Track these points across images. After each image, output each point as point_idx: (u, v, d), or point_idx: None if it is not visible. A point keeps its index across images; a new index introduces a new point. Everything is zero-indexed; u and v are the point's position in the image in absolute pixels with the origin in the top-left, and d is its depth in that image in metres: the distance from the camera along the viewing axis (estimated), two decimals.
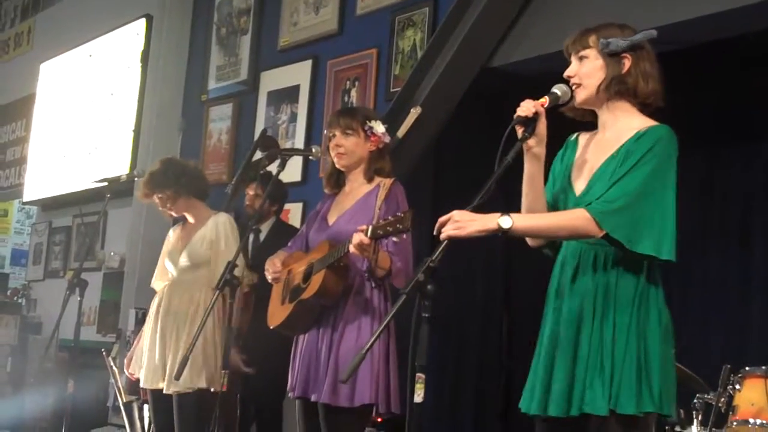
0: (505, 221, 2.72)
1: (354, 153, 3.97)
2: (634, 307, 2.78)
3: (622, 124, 2.90)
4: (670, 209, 2.79)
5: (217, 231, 4.75)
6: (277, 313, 4.07)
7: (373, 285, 3.88)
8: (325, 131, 4.20)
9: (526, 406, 2.93)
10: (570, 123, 3.04)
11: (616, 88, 2.88)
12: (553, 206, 2.97)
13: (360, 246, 3.54)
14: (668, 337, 2.83)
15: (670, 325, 2.85)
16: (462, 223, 2.70)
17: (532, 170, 2.91)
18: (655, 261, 2.78)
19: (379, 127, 4.01)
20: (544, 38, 5.15)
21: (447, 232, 2.70)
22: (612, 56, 2.87)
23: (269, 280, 4.06)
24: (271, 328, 4.09)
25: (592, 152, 2.95)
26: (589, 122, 3.03)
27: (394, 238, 3.50)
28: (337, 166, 4.03)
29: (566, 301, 2.87)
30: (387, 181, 3.92)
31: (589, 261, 2.85)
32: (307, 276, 3.89)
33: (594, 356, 2.77)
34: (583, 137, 3.04)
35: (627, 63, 2.87)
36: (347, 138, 3.96)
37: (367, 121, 3.99)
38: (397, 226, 3.33)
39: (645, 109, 2.92)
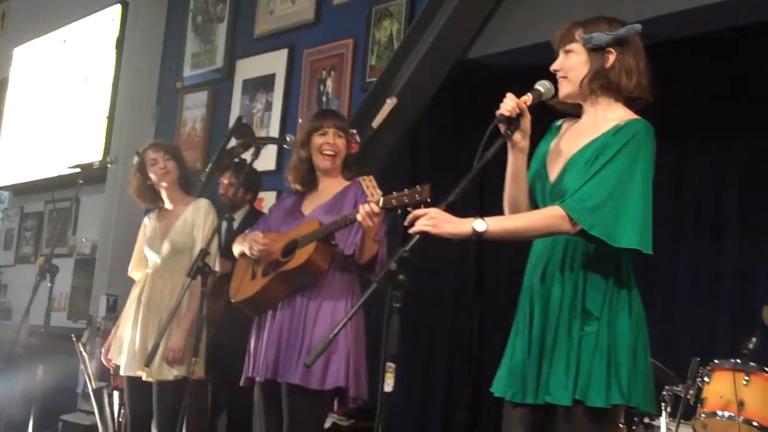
0: (479, 225, 2.72)
1: (341, 155, 4.06)
2: (606, 300, 2.79)
3: (602, 115, 2.91)
4: (647, 203, 2.79)
5: (197, 216, 4.75)
6: (243, 288, 4.06)
7: (350, 271, 3.91)
8: (304, 125, 4.22)
9: (499, 390, 2.95)
10: (557, 111, 3.06)
11: (598, 83, 2.88)
12: (530, 191, 2.99)
13: (369, 214, 3.54)
14: (640, 327, 2.85)
15: (641, 314, 2.86)
16: (437, 221, 2.70)
17: (516, 164, 2.93)
18: (638, 255, 2.78)
19: (358, 136, 4.17)
20: (521, 30, 5.16)
21: (420, 226, 2.70)
22: (596, 51, 2.87)
23: (254, 255, 4.04)
24: (234, 302, 4.09)
25: (569, 139, 2.96)
26: (577, 114, 3.04)
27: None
28: (322, 165, 4.05)
29: (539, 291, 2.89)
30: (367, 177, 3.93)
31: (560, 253, 2.87)
32: (289, 251, 3.90)
33: (561, 347, 2.80)
34: (566, 124, 3.05)
35: (611, 58, 2.87)
36: (340, 139, 4.04)
37: (349, 128, 4.14)
38: (415, 197, 3.21)
39: (632, 103, 2.92)
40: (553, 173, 2.93)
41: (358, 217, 3.59)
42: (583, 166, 2.82)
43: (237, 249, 4.15)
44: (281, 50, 6.61)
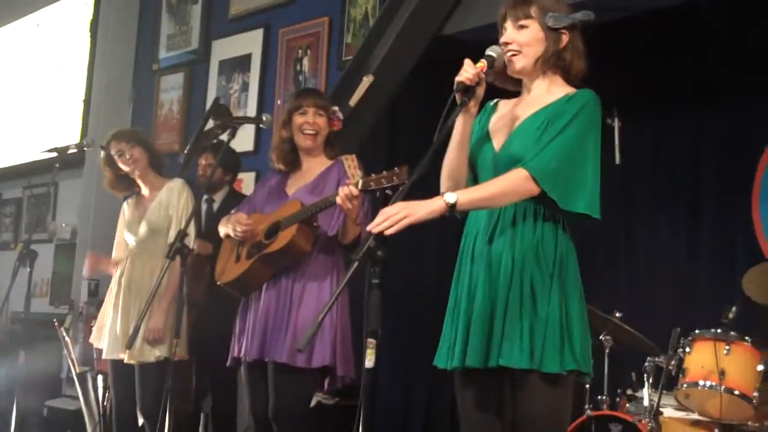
0: (450, 197, 2.73)
1: (322, 133, 4.05)
2: (555, 266, 2.82)
3: (547, 88, 2.95)
4: (598, 170, 2.85)
5: (171, 196, 4.74)
6: (229, 270, 4.06)
7: (334, 251, 3.92)
8: (283, 105, 4.21)
9: (443, 362, 2.95)
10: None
11: (553, 62, 2.93)
12: (470, 164, 2.99)
13: (348, 197, 3.54)
14: (582, 295, 2.89)
15: (581, 282, 2.90)
16: (409, 209, 2.69)
17: (465, 131, 2.93)
18: (586, 220, 2.83)
19: (340, 113, 4.13)
20: (496, 6, 5.12)
21: (402, 221, 2.66)
22: (553, 31, 2.91)
23: (237, 236, 4.03)
24: (220, 283, 4.09)
25: (515, 111, 2.98)
26: (508, 91, 3.05)
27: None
28: (303, 145, 4.04)
29: (485, 255, 2.89)
30: (350, 157, 3.92)
31: (509, 218, 2.88)
32: (272, 232, 3.90)
33: (513, 311, 2.80)
34: (503, 103, 3.08)
35: (565, 39, 2.93)
36: (320, 118, 4.01)
37: (331, 106, 4.10)
38: (393, 179, 3.23)
39: (569, 83, 2.97)
40: (498, 142, 2.95)
41: (338, 199, 3.58)
42: (534, 132, 2.86)
43: (222, 230, 4.14)
44: (257, 30, 6.57)
